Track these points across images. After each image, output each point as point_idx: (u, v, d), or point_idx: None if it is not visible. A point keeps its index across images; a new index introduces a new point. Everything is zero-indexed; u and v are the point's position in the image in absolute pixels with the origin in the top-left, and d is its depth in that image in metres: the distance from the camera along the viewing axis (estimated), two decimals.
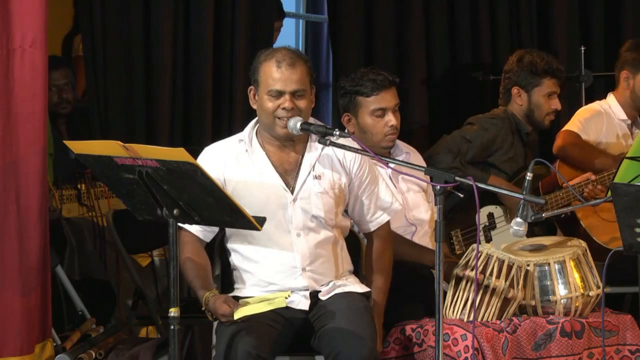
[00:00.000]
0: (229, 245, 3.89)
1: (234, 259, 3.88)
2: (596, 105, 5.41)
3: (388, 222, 4.01)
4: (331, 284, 3.84)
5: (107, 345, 4.17)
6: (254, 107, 3.86)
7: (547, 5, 6.40)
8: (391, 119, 4.34)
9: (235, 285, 3.89)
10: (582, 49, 6.13)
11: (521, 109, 5.07)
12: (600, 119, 5.33)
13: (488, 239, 4.89)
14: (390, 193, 4.03)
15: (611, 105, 5.38)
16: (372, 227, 3.98)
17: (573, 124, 5.26)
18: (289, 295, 3.60)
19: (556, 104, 5.07)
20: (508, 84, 5.11)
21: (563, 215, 4.86)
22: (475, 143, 4.93)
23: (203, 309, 3.67)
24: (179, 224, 3.69)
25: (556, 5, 6.40)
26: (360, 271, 4.06)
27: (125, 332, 4.39)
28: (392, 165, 4.14)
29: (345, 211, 3.97)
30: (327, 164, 3.87)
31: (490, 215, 4.92)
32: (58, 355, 3.99)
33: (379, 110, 4.34)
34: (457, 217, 4.83)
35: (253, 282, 3.82)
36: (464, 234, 4.82)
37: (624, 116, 5.37)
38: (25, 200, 3.89)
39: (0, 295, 3.88)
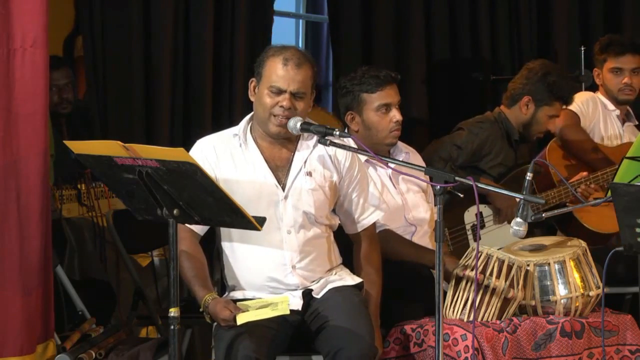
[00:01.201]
0: (226, 244, 3.88)
1: (227, 256, 3.88)
2: (588, 93, 5.48)
3: (374, 223, 4.01)
4: (323, 280, 3.84)
5: (107, 345, 4.16)
6: (252, 99, 3.86)
7: (547, 5, 6.41)
8: (396, 115, 4.36)
9: (227, 283, 3.89)
10: (582, 49, 6.13)
11: (522, 117, 5.06)
12: (595, 104, 5.42)
13: (476, 238, 4.89)
14: (378, 195, 4.04)
15: (600, 98, 5.43)
16: (359, 227, 3.97)
17: (573, 105, 5.29)
18: (288, 303, 3.60)
19: (553, 127, 5.08)
20: (521, 90, 5.07)
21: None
22: (465, 149, 4.94)
23: (201, 310, 3.67)
24: None
25: (556, 5, 6.41)
26: (351, 261, 4.04)
27: (125, 332, 4.39)
28: (392, 165, 4.14)
29: (333, 210, 3.97)
30: (319, 161, 3.87)
31: (479, 215, 4.92)
32: (58, 355, 3.99)
33: (384, 106, 4.35)
34: (445, 215, 4.82)
35: (244, 280, 3.83)
36: (451, 233, 4.82)
37: (612, 107, 5.42)
38: (26, 200, 3.89)
39: (0, 295, 3.87)
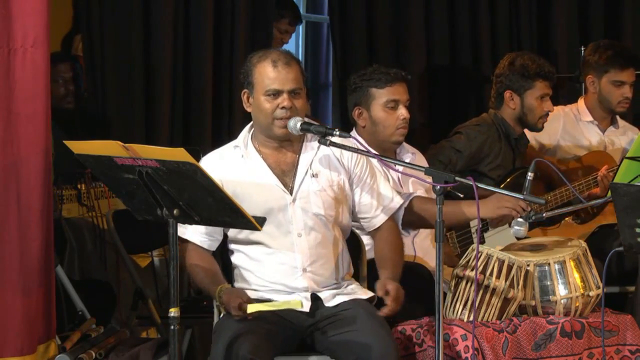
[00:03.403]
0: (233, 246, 3.89)
1: (237, 258, 3.88)
2: (559, 108, 5.47)
3: (392, 216, 4.00)
4: (334, 290, 3.84)
5: (107, 345, 4.17)
6: (249, 110, 3.87)
7: (547, 5, 6.41)
8: (403, 112, 4.36)
9: (236, 284, 3.89)
10: (582, 49, 6.13)
11: (514, 112, 5.06)
12: (556, 122, 5.40)
13: (481, 241, 4.88)
14: (390, 187, 4.03)
15: (579, 108, 5.45)
16: (378, 222, 3.97)
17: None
18: (302, 305, 3.62)
19: (549, 107, 5.06)
20: (500, 88, 5.09)
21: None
22: (464, 153, 4.94)
23: (216, 303, 3.68)
24: (183, 237, 3.74)
25: (556, 5, 6.41)
26: (360, 273, 4.05)
27: (125, 332, 4.39)
28: (399, 168, 4.16)
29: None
30: (325, 162, 3.87)
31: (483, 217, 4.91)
32: (58, 355, 3.99)
33: (392, 102, 4.36)
34: None
35: (254, 281, 3.83)
36: (458, 236, 4.82)
37: (589, 118, 5.42)
38: (27, 200, 3.89)
39: (1, 295, 3.87)
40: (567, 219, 5.24)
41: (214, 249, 3.88)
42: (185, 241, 3.82)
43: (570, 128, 5.45)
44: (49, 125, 3.94)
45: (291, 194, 3.82)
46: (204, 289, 3.82)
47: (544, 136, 5.38)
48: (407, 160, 4.39)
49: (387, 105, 4.36)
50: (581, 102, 5.50)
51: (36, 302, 3.92)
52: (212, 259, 3.85)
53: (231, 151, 3.90)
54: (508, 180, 5.00)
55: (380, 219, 3.98)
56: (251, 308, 3.55)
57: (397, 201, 4.01)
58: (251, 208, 3.56)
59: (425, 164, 4.52)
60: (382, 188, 3.99)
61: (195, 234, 3.83)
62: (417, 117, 6.05)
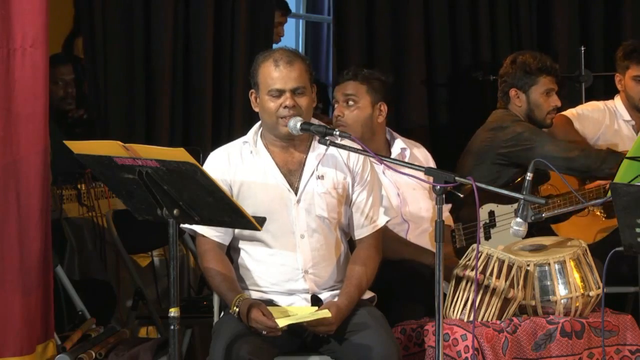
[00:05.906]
0: (239, 246, 3.88)
1: (241, 258, 3.87)
2: (600, 102, 5.45)
3: (379, 231, 3.92)
4: (334, 291, 3.83)
5: (107, 345, 4.17)
6: (256, 109, 3.85)
7: (547, 5, 6.41)
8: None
9: (239, 283, 3.89)
10: (582, 49, 6.13)
11: (521, 110, 5.07)
12: (600, 115, 5.38)
13: (487, 237, 4.88)
14: (387, 202, 4.00)
15: (617, 105, 5.42)
16: (367, 231, 3.89)
17: (569, 111, 5.30)
18: (330, 314, 3.61)
19: (555, 101, 5.06)
20: (505, 87, 5.10)
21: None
22: (529, 131, 4.96)
23: (231, 311, 3.67)
24: (198, 231, 3.73)
25: (556, 5, 6.41)
26: None
27: (125, 332, 4.39)
28: (387, 163, 4.13)
29: None
30: (331, 164, 3.86)
31: (491, 213, 4.92)
32: (58, 355, 4.00)
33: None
34: (461, 211, 4.82)
35: (256, 282, 3.83)
36: (465, 228, 4.82)
37: (628, 117, 5.40)
38: (26, 200, 3.89)
39: (0, 295, 3.88)
40: (595, 211, 5.22)
41: (227, 243, 3.84)
42: (199, 236, 3.81)
43: (610, 124, 5.44)
44: (47, 124, 3.94)
45: (296, 194, 3.82)
46: (219, 294, 3.82)
47: (585, 124, 5.35)
48: (397, 154, 4.38)
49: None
50: (618, 100, 5.45)
51: (35, 302, 3.92)
52: (229, 263, 3.83)
53: (240, 147, 3.88)
54: (517, 179, 5.01)
55: (364, 231, 3.90)
56: (281, 322, 3.54)
57: (382, 220, 3.93)
58: (256, 205, 3.56)
59: (424, 158, 4.52)
60: (377, 202, 3.93)
61: (210, 228, 3.80)
62: (416, 118, 6.05)
